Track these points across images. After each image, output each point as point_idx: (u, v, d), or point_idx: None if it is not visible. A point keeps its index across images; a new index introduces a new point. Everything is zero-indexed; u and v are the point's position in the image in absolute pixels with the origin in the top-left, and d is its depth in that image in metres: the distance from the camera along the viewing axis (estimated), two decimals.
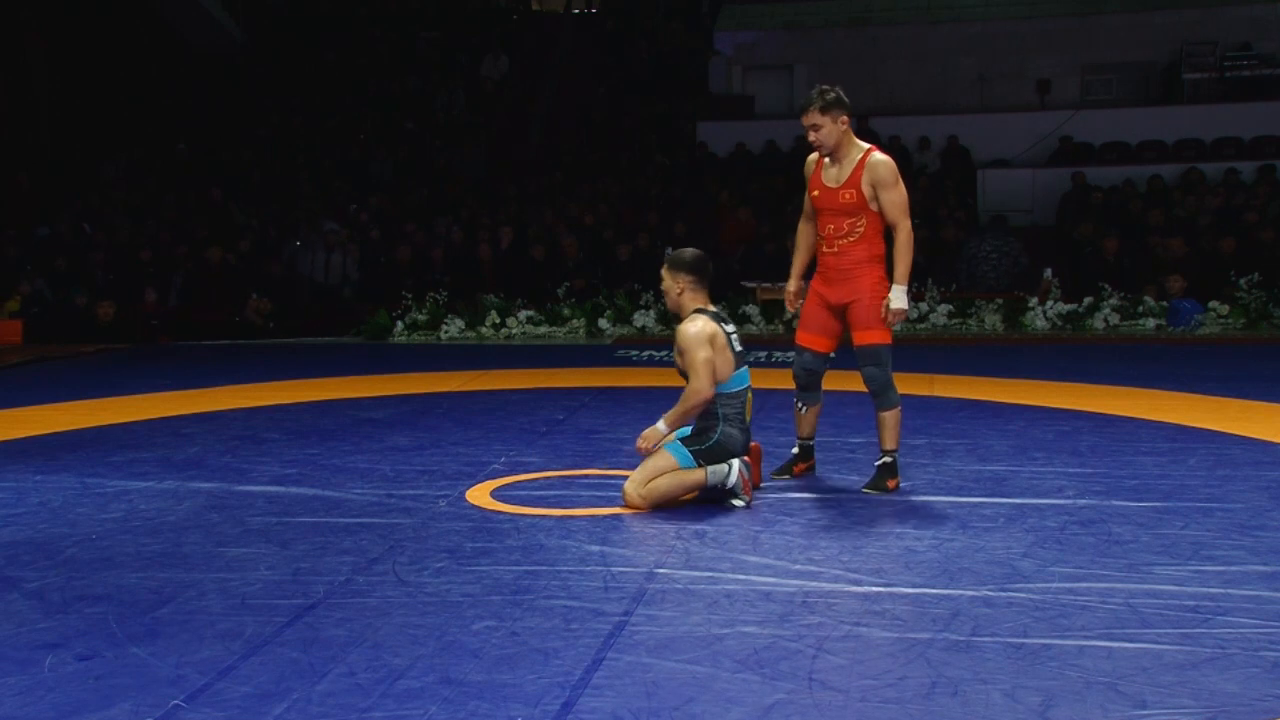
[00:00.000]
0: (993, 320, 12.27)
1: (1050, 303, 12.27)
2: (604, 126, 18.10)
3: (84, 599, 3.90)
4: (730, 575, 4.05)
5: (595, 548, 4.43)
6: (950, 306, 12.43)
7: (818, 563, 4.19)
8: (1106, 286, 12.32)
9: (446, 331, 12.70)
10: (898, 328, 5.36)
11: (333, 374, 9.76)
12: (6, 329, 12.69)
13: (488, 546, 4.49)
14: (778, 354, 10.07)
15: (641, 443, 5.06)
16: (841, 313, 5.29)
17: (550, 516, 4.90)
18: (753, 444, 5.25)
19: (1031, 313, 12.19)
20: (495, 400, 8.13)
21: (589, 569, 4.14)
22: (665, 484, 4.97)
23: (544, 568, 4.17)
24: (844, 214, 5.18)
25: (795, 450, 5.61)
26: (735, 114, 17.43)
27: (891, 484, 5.26)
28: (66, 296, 13.22)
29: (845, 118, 5.17)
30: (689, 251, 5.26)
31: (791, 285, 5.53)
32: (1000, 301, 12.47)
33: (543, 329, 12.73)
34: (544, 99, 18.88)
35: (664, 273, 5.23)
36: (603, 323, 12.67)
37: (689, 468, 5.01)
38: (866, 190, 5.11)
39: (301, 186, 16.52)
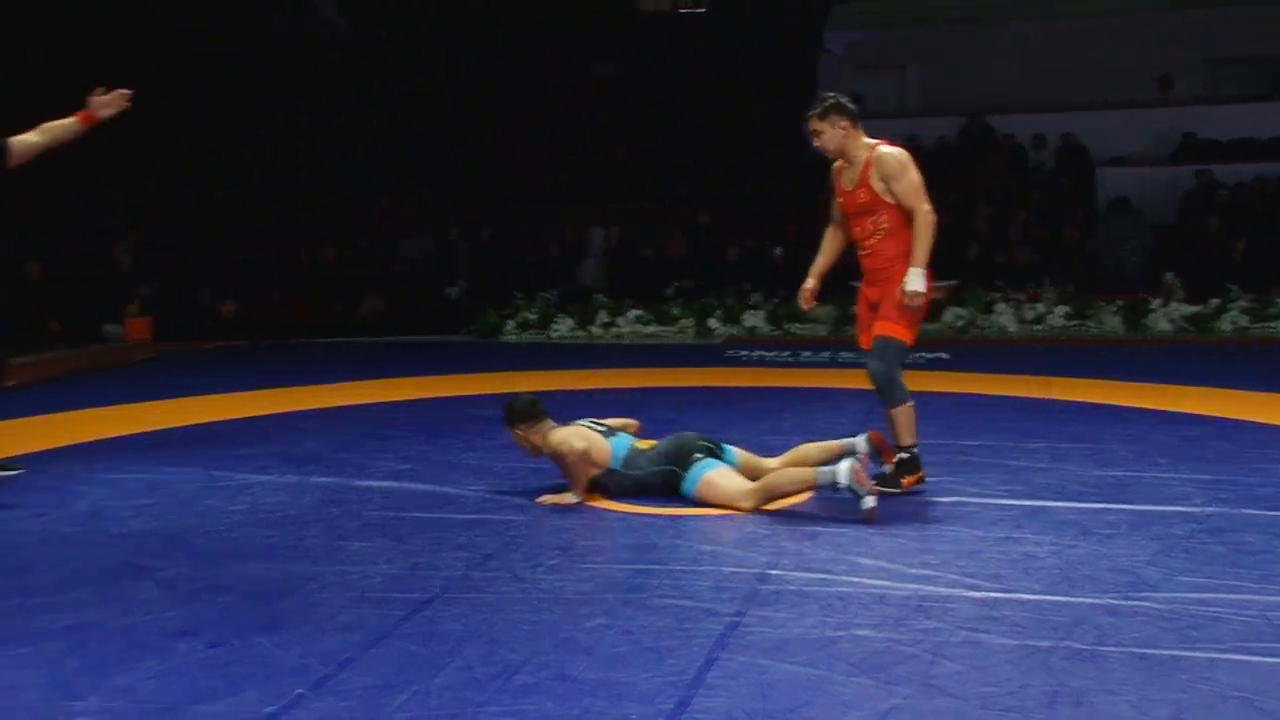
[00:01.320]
0: (1112, 322, 11.93)
1: (1173, 304, 11.91)
2: (714, 126, 18.06)
3: (212, 589, 4.02)
4: (844, 577, 4.00)
5: (707, 547, 4.42)
6: (1068, 308, 12.13)
7: (933, 566, 4.12)
8: (1234, 287, 11.90)
9: (556, 330, 12.81)
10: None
11: (445, 372, 9.91)
12: (136, 326, 13.22)
13: (600, 544, 4.52)
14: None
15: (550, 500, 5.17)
16: None
17: (663, 516, 4.91)
18: (872, 433, 5.19)
19: (1154, 314, 11.84)
20: (606, 399, 8.16)
21: (701, 569, 4.14)
22: (777, 480, 4.96)
23: (656, 566, 4.18)
24: (865, 214, 5.19)
25: (896, 459, 5.27)
26: None
27: (907, 481, 5.16)
28: (190, 296, 13.70)
29: (845, 122, 5.16)
30: (516, 403, 5.36)
31: (808, 283, 5.51)
32: (1120, 303, 12.13)
33: (652, 328, 12.76)
34: (653, 99, 18.91)
35: (509, 433, 5.35)
36: (712, 322, 12.65)
37: (728, 467, 5.09)
38: (877, 186, 5.11)
39: (414, 186, 16.80)
